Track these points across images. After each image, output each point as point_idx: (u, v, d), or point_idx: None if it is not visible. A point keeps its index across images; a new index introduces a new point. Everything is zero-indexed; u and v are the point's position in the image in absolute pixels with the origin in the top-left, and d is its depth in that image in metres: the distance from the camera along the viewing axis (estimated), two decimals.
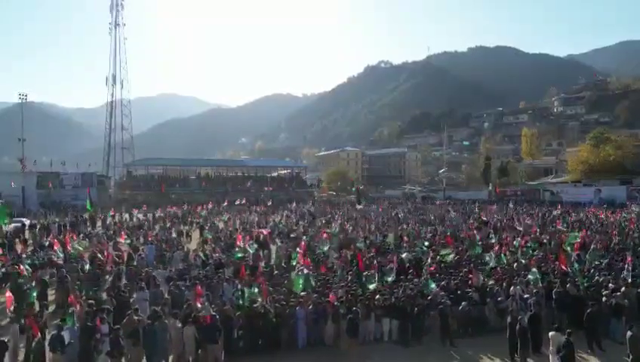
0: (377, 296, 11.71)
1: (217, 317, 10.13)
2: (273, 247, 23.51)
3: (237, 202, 52.87)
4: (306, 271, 13.75)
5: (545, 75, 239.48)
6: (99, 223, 35.86)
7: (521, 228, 25.56)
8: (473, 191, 68.31)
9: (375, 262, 15.05)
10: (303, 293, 11.90)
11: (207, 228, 32.20)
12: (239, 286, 12.97)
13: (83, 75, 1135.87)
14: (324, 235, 22.62)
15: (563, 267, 14.15)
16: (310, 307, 11.15)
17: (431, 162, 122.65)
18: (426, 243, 18.86)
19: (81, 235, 25.79)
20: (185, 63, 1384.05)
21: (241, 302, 11.30)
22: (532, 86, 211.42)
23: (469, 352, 11.07)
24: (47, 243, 22.52)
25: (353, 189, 65.47)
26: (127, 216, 40.84)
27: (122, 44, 77.01)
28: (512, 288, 12.76)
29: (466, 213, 39.84)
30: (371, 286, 12.55)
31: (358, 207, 43.20)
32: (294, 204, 51.33)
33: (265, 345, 10.76)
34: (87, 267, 17.06)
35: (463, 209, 44.77)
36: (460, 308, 11.77)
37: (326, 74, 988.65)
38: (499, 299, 12.26)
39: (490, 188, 64.90)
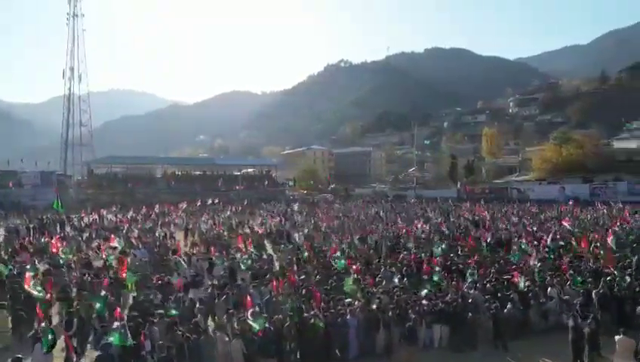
0: (424, 301, 11.24)
1: (272, 328, 9.32)
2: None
3: (209, 202, 51.34)
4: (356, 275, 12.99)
5: (497, 77, 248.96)
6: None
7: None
8: (442, 189, 69.47)
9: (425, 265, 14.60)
10: (348, 300, 11.26)
11: (190, 228, 30.99)
12: (272, 294, 12.20)
13: (27, 68, 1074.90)
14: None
15: (610, 267, 14.15)
16: (361, 314, 10.52)
17: (394, 161, 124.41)
18: (443, 245, 18.53)
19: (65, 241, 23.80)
20: (140, 59, 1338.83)
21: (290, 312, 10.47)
22: (485, 87, 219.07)
23: (519, 354, 10.85)
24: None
25: (330, 188, 65.19)
26: (96, 217, 38.45)
27: (81, 35, 72.74)
28: (549, 289, 12.65)
29: (445, 212, 40.20)
30: (424, 292, 12.00)
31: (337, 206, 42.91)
32: (273, 204, 50.36)
33: (316, 356, 10.02)
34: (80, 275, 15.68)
35: (439, 208, 45.15)
36: (506, 310, 11.49)
37: (286, 72, 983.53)
38: (541, 300, 12.10)
39: (458, 186, 66.30)
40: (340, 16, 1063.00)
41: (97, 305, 11.02)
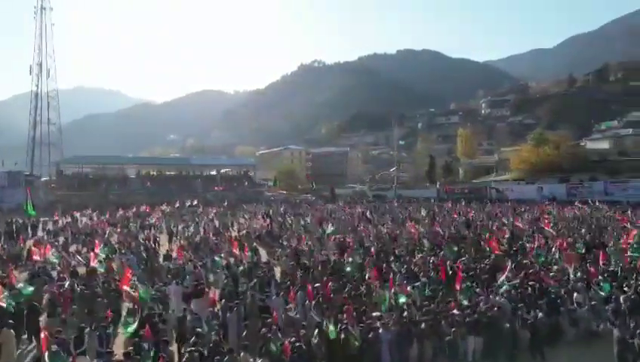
0: (455, 311, 10.53)
1: (303, 346, 8.41)
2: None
3: (188, 203, 49.70)
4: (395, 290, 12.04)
5: (467, 79, 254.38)
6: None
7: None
8: (421, 189, 69.69)
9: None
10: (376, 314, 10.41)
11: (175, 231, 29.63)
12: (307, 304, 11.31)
13: None
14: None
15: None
16: (394, 328, 9.71)
17: (370, 161, 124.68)
18: (454, 247, 17.90)
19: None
20: (108, 56, 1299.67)
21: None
22: (456, 89, 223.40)
23: None
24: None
25: (313, 188, 64.19)
26: (69, 220, 36.33)
27: (50, 30, 69.30)
28: (575, 294, 12.19)
29: (431, 213, 39.95)
30: (465, 301, 11.24)
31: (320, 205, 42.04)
32: (255, 205, 49.10)
33: None
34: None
35: (426, 208, 44.88)
36: (537, 318, 10.92)
37: (259, 71, 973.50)
38: (570, 307, 11.60)
39: (438, 186, 66.62)
40: (313, 16, 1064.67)
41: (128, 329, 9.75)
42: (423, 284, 12.61)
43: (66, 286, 13.75)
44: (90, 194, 53.54)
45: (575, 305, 11.77)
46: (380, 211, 42.67)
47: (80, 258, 18.73)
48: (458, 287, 11.90)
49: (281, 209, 43.74)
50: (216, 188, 61.67)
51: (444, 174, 72.53)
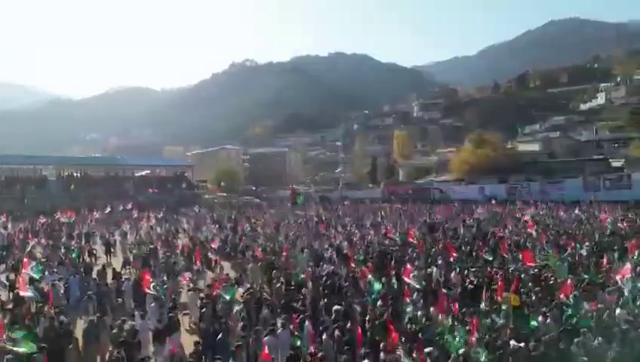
0: (513, 342, 8.66)
1: None
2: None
3: (121, 208, 45.00)
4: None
5: (396, 82, 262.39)
6: None
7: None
8: (366, 190, 69.33)
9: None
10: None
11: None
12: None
13: None
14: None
15: None
16: None
17: (308, 162, 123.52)
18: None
19: None
20: (20, 48, 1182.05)
21: None
22: (387, 92, 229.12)
23: None
24: None
25: (253, 188, 61.12)
26: None
27: None
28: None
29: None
30: (534, 323, 9.34)
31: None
32: (198, 209, 45.35)
33: None
34: None
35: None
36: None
37: (188, 69, 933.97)
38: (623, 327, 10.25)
39: (382, 187, 66.53)
40: (243, 15, 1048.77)
41: None
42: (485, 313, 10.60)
43: None
44: (3, 199, 46.73)
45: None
46: (336, 214, 40.98)
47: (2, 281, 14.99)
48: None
49: (233, 213, 40.65)
50: (150, 190, 56.75)
51: (387, 175, 72.72)
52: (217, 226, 32.32)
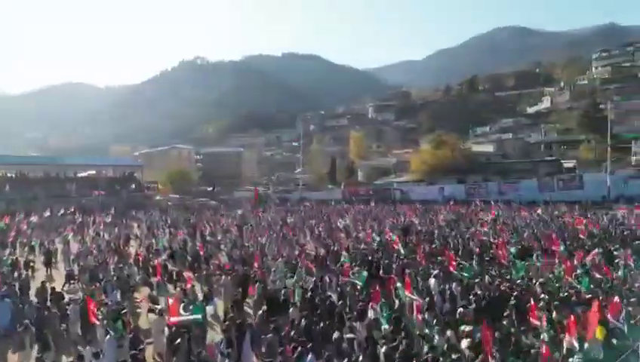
0: None
1: None
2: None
3: (61, 211, 41.11)
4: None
5: (349, 84, 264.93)
6: None
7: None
8: (325, 191, 67.98)
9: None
10: None
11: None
12: None
13: None
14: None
15: None
16: None
17: (263, 162, 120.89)
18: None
19: None
20: None
21: None
22: (340, 93, 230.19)
23: None
24: None
25: (209, 189, 57.87)
26: None
27: None
28: None
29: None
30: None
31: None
32: (150, 213, 42.03)
33: None
34: None
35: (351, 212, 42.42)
36: None
37: (134, 66, 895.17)
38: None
39: (342, 188, 65.41)
40: (192, 12, 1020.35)
41: None
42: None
43: None
44: None
45: None
46: (300, 216, 39.09)
47: None
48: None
49: (191, 217, 37.86)
50: (95, 192, 52.46)
51: (346, 176, 71.74)
52: (173, 231, 29.68)
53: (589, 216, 31.99)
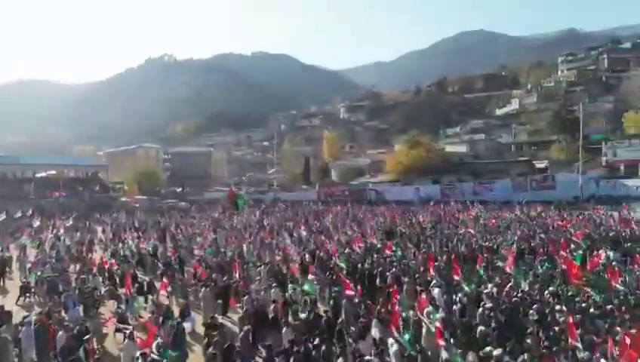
0: None
1: None
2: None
3: (19, 214, 38.35)
4: None
5: (320, 84, 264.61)
6: None
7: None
8: (300, 192, 66.68)
9: None
10: None
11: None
12: None
13: None
14: None
15: None
16: None
17: (234, 162, 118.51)
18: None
19: None
20: None
21: None
22: (311, 93, 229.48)
23: None
24: None
25: (179, 190, 55.42)
26: None
27: None
28: None
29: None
30: None
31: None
32: (116, 216, 39.60)
33: None
34: None
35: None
36: None
37: (99, 63, 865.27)
38: None
39: (317, 188, 64.26)
40: (159, 9, 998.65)
41: None
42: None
43: None
44: None
45: None
46: (277, 218, 37.56)
47: None
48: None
49: (161, 220, 35.73)
50: (56, 193, 49.37)
51: (320, 176, 70.63)
52: (141, 235, 27.70)
53: (567, 216, 31.96)
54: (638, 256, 14.80)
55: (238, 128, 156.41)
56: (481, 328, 8.48)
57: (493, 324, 8.81)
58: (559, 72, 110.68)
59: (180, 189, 66.43)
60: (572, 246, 18.02)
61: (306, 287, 13.16)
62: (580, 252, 15.77)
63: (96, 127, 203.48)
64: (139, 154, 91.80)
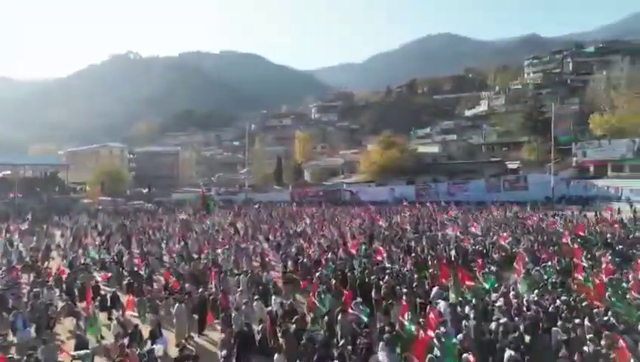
0: None
1: None
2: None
3: None
4: None
5: (290, 84, 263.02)
6: None
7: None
8: (272, 192, 65.02)
9: None
10: None
11: None
12: None
13: None
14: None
15: None
16: None
17: (202, 162, 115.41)
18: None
19: None
20: None
21: None
22: (281, 93, 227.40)
23: None
24: None
25: (145, 191, 52.69)
26: None
27: None
28: None
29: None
30: None
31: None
32: (76, 219, 36.90)
33: None
34: None
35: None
36: None
37: (59, 58, 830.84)
38: None
39: (290, 189, 62.76)
40: (127, 3, 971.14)
41: None
42: None
43: None
44: None
45: None
46: (250, 220, 35.82)
47: None
48: None
49: (126, 222, 33.40)
50: (11, 194, 45.99)
51: (294, 177, 69.16)
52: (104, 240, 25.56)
53: (546, 218, 31.72)
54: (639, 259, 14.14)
55: (205, 128, 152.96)
56: (510, 353, 7.24)
57: (517, 345, 7.63)
58: (525, 75, 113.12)
59: (147, 190, 63.50)
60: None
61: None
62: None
63: (56, 125, 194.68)
64: (102, 154, 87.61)
